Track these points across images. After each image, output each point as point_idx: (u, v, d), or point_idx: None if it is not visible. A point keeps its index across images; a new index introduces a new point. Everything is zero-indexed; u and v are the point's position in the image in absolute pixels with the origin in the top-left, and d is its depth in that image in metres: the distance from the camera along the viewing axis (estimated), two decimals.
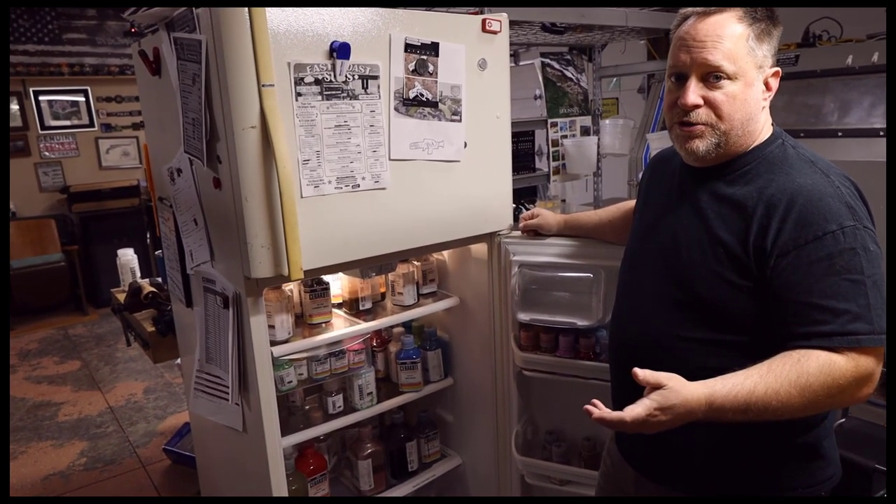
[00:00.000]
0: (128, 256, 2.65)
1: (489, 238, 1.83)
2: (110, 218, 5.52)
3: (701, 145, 1.11)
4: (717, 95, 1.08)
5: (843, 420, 1.96)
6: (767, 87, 1.12)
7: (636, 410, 0.98)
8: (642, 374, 1.00)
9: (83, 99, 5.60)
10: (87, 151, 5.70)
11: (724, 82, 1.07)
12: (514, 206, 1.88)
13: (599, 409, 1.01)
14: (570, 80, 3.20)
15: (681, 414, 0.97)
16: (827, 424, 1.16)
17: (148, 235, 5.43)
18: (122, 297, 2.45)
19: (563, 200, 3.27)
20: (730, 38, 1.06)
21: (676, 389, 0.97)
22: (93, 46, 5.52)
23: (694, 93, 1.09)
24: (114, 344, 4.64)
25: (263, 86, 1.29)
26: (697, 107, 1.09)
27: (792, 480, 1.13)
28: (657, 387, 0.98)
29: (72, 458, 3.10)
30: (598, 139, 3.27)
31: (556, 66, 3.15)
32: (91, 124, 5.67)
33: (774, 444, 1.12)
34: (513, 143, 1.84)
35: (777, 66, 1.12)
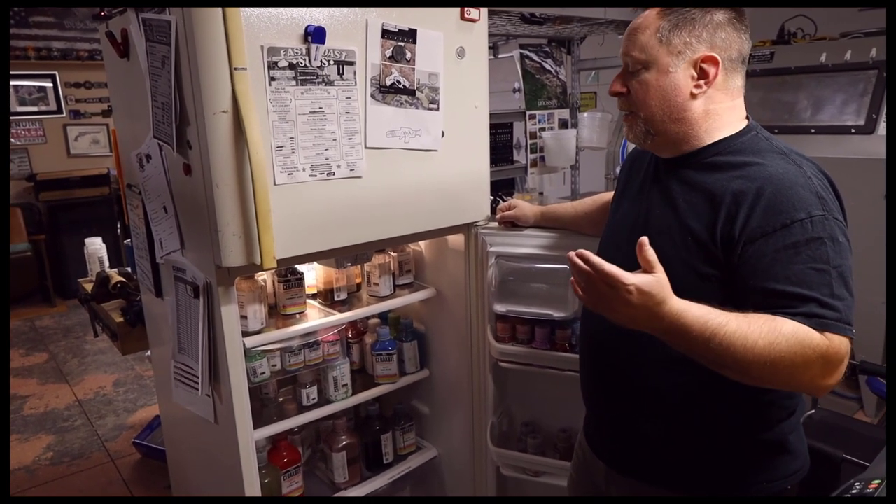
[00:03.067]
0: (96, 245, 2.58)
1: (466, 229, 1.82)
2: (79, 207, 5.39)
3: (630, 133, 1.21)
4: (631, 84, 1.16)
5: (813, 412, 1.99)
6: (703, 73, 1.10)
7: (618, 271, 0.95)
8: (648, 248, 0.97)
9: (50, 84, 5.44)
10: (54, 138, 5.55)
11: (640, 70, 1.14)
12: (491, 198, 1.87)
13: (583, 251, 0.99)
14: (549, 72, 3.19)
15: (649, 310, 0.95)
16: (794, 419, 1.16)
17: (118, 225, 5.31)
18: (89, 287, 2.39)
19: (541, 193, 3.27)
20: (642, 30, 1.14)
21: (662, 284, 0.95)
22: (61, 30, 5.36)
23: (616, 82, 1.19)
24: (82, 336, 4.54)
25: (235, 69, 1.26)
26: (619, 94, 1.19)
27: (758, 475, 1.14)
28: (649, 270, 0.96)
29: (38, 452, 3.02)
30: (577, 132, 3.27)
31: (535, 57, 3.14)
32: (59, 110, 5.51)
33: (741, 439, 1.13)
34: (491, 135, 1.82)
35: (712, 52, 1.09)
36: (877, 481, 0.80)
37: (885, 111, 2.72)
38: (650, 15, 1.14)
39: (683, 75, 1.11)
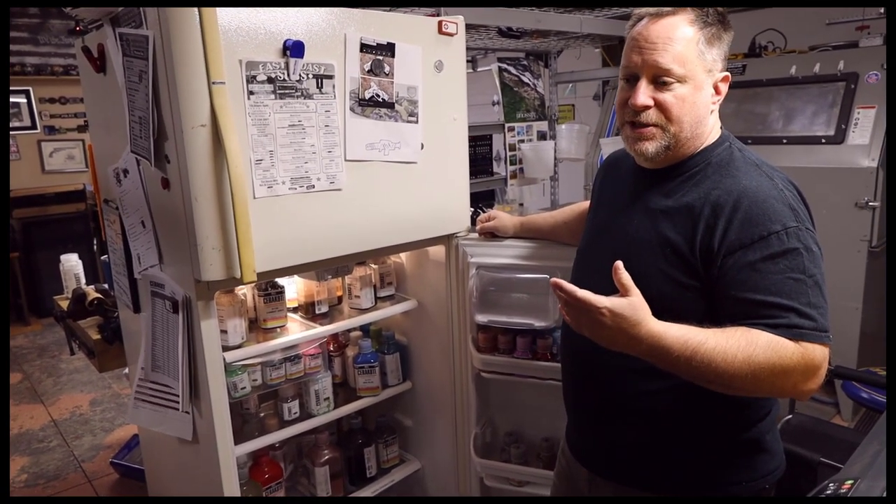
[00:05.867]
0: (72, 262, 2.54)
1: (447, 240, 1.83)
2: (54, 224, 5.30)
3: (650, 147, 1.13)
4: (666, 98, 1.10)
5: (790, 416, 2.03)
6: (717, 90, 1.15)
7: (589, 295, 0.97)
8: (623, 271, 0.99)
9: (24, 100, 5.36)
10: (28, 155, 5.46)
11: (674, 85, 1.09)
12: (471, 209, 1.88)
13: (559, 281, 1.02)
14: (527, 85, 3.23)
15: (626, 331, 0.98)
16: (769, 420, 1.19)
17: (94, 241, 5.23)
18: (65, 304, 2.35)
19: (521, 204, 3.30)
20: (680, 41, 1.08)
21: (636, 307, 0.98)
22: (35, 45, 5.30)
23: (644, 94, 1.10)
24: (58, 355, 4.45)
25: (214, 83, 1.26)
26: (647, 108, 1.11)
27: (737, 474, 1.16)
28: (624, 294, 0.98)
29: (12, 474, 2.94)
30: (555, 144, 3.31)
31: (513, 71, 3.18)
32: (33, 126, 5.43)
33: (719, 440, 1.15)
34: (471, 147, 1.84)
35: (726, 71, 1.15)
36: (849, 482, 0.82)
37: (853, 121, 2.79)
38: (680, 22, 1.09)
39: (708, 92, 1.13)
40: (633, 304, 0.97)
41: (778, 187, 1.08)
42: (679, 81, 1.09)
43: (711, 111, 1.15)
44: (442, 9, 2.05)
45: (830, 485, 0.85)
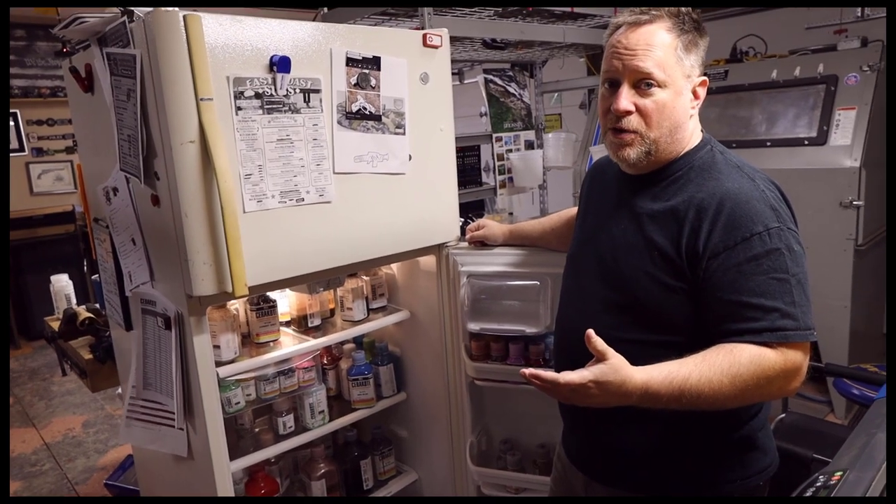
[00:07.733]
0: (62, 282, 2.53)
1: (437, 250, 1.84)
2: (43, 246, 5.27)
3: (632, 153, 1.15)
4: (647, 103, 1.12)
5: (784, 415, 2.04)
6: (695, 95, 1.17)
7: (571, 377, 0.99)
8: (595, 338, 1.00)
9: (12, 122, 5.36)
10: (16, 177, 5.44)
11: (655, 90, 1.11)
12: (461, 220, 1.90)
13: (535, 371, 1.02)
14: (513, 95, 3.27)
15: (614, 393, 0.99)
16: (761, 417, 1.20)
17: (85, 262, 5.21)
18: (56, 325, 2.34)
19: (511, 213, 3.32)
20: (660, 47, 1.11)
21: (616, 368, 0.99)
22: (21, 68, 5.30)
23: (626, 99, 1.12)
24: (49, 377, 4.41)
25: (202, 100, 1.27)
26: (629, 113, 1.13)
27: (731, 473, 1.17)
28: (602, 358, 1.00)
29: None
30: (543, 153, 3.34)
31: (499, 81, 3.22)
32: (21, 149, 5.42)
33: (713, 441, 1.16)
34: (459, 157, 1.86)
35: (704, 75, 1.17)
36: (839, 473, 0.83)
37: (834, 123, 2.84)
38: (658, 30, 1.11)
39: (687, 97, 1.15)
40: (614, 368, 0.99)
41: (759, 188, 1.10)
42: (660, 86, 1.11)
43: (691, 116, 1.17)
44: (426, 14, 2.06)
45: (820, 477, 0.86)
